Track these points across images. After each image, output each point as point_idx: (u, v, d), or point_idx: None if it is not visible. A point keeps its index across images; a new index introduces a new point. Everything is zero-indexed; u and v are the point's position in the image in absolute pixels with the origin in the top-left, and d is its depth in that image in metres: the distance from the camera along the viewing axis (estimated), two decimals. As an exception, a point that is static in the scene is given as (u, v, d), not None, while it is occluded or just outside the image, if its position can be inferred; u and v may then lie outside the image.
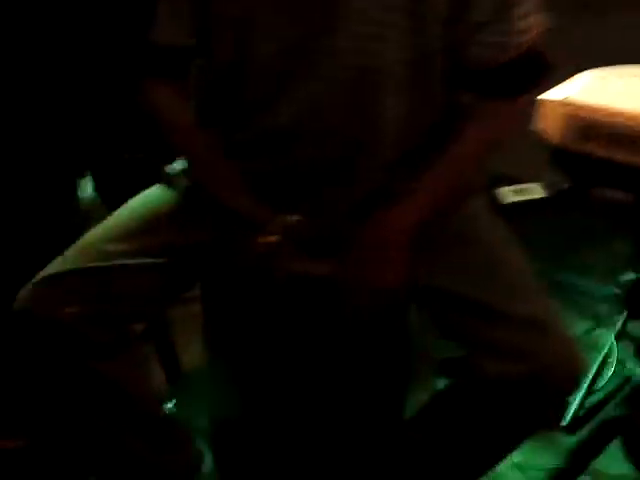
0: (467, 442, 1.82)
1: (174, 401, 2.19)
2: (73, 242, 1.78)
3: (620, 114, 2.13)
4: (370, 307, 1.73)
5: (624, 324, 2.71)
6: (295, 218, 1.56)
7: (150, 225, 1.77)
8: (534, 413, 1.74)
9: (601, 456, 2.32)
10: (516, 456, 2.24)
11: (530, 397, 1.68)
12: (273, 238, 1.57)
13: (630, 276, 2.73)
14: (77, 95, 2.17)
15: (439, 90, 1.75)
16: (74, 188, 2.27)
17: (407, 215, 1.71)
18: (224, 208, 1.68)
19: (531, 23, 1.68)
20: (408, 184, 1.72)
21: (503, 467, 2.21)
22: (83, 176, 2.25)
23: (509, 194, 3.50)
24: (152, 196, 1.84)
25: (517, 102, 1.77)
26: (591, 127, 2.14)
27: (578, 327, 2.78)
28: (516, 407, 1.71)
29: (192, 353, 2.52)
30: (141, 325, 2.24)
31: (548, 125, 2.27)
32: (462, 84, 1.75)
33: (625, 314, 2.71)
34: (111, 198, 2.10)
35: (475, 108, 1.75)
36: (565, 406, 2.40)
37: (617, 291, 2.78)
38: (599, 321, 2.84)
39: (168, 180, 1.75)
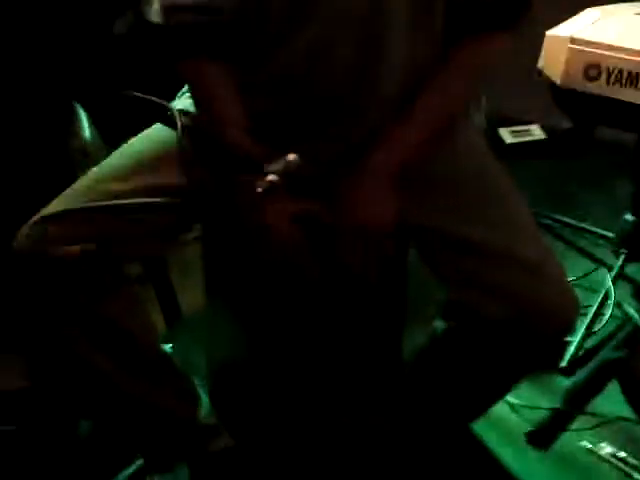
0: (464, 383, 1.84)
1: (172, 344, 2.17)
2: (73, 181, 1.77)
3: (624, 51, 2.10)
4: (363, 247, 1.73)
5: (622, 267, 2.69)
6: (293, 158, 1.54)
7: (150, 165, 1.75)
8: (529, 354, 1.75)
9: (598, 398, 2.32)
10: (512, 397, 2.28)
11: (525, 339, 1.69)
12: (272, 178, 1.55)
13: (629, 218, 2.72)
14: (68, 26, 2.14)
15: (439, 29, 1.74)
16: (70, 124, 2.24)
17: (390, 153, 1.71)
18: (224, 146, 1.66)
19: None
20: (396, 123, 1.72)
21: (499, 408, 2.23)
22: (75, 112, 2.22)
23: (509, 135, 3.48)
24: (152, 135, 1.82)
25: (503, 35, 1.78)
26: (595, 65, 2.10)
27: (576, 269, 2.76)
28: (511, 348, 1.72)
29: (191, 296, 2.53)
30: (139, 267, 2.26)
31: (551, 63, 2.24)
32: (457, 22, 1.75)
33: (624, 257, 2.70)
34: (111, 137, 2.06)
35: (464, 39, 1.75)
36: (563, 348, 2.40)
37: (616, 233, 2.77)
38: (598, 263, 2.82)
39: (168, 119, 1.73)
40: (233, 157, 1.58)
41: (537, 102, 3.21)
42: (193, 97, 1.76)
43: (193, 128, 1.74)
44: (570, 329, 1.76)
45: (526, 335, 1.68)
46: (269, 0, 1.67)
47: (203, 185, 1.72)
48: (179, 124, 1.47)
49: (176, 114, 1.50)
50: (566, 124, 2.41)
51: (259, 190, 1.49)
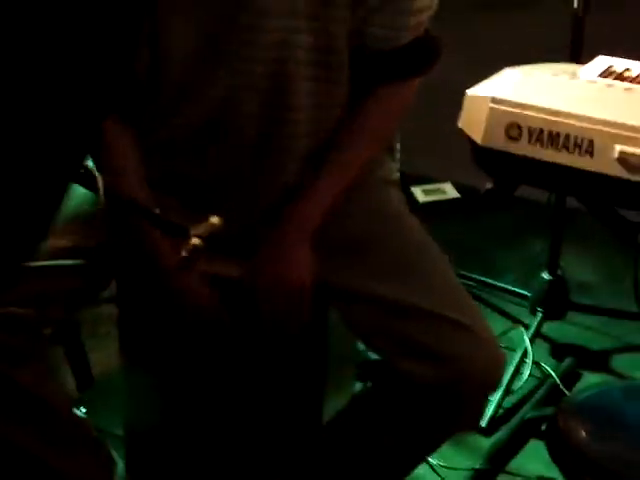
0: (385, 445, 1.80)
1: (84, 408, 2.11)
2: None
3: (544, 111, 2.12)
4: (280, 307, 1.72)
5: (539, 325, 2.70)
6: (217, 220, 1.50)
7: (66, 226, 1.70)
8: (453, 415, 1.72)
9: (519, 457, 2.32)
10: (432, 457, 2.25)
11: (449, 400, 1.67)
12: (195, 241, 1.52)
13: (546, 277, 2.74)
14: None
15: (346, 79, 1.74)
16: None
17: (308, 205, 1.72)
18: (141, 210, 1.62)
19: (425, 5, 1.72)
20: (311, 178, 1.73)
21: (419, 469, 2.20)
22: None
23: (421, 194, 3.50)
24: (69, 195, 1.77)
25: (412, 83, 1.81)
26: (516, 124, 2.12)
27: (494, 328, 2.68)
28: (434, 409, 1.69)
29: (102, 358, 2.47)
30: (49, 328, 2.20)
31: (472, 122, 2.25)
32: (363, 70, 1.76)
33: (541, 315, 2.71)
34: None
35: (375, 88, 1.77)
36: (484, 407, 2.39)
37: (533, 292, 2.78)
38: (515, 322, 2.83)
39: (84, 179, 1.68)
40: (152, 220, 1.55)
41: (450, 160, 3.25)
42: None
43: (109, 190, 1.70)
44: (496, 387, 1.76)
45: (452, 395, 1.66)
46: (170, 61, 1.66)
47: (120, 245, 1.69)
48: (101, 185, 1.42)
49: (96, 174, 1.45)
50: (483, 183, 2.42)
51: (183, 254, 1.45)
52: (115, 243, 1.69)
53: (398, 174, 1.96)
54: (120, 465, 1.93)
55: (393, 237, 1.78)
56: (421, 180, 3.60)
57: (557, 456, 1.70)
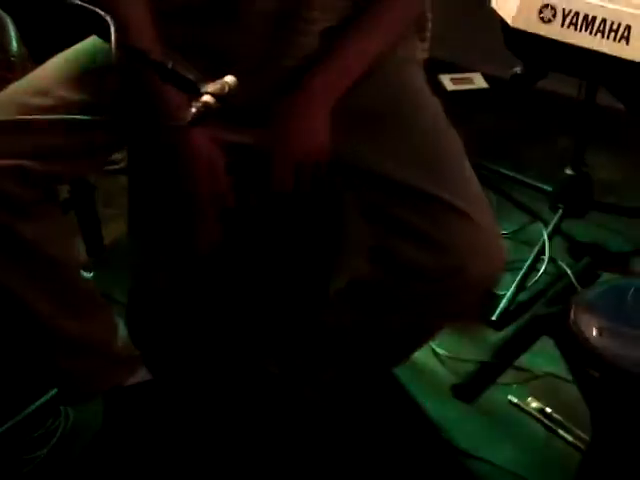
0: (383, 325, 1.80)
1: (92, 273, 2.11)
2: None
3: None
4: (297, 175, 1.70)
5: (559, 222, 2.66)
6: (231, 80, 1.46)
7: (72, 80, 1.69)
8: (451, 302, 1.70)
9: (528, 353, 2.30)
10: (440, 348, 2.28)
11: (444, 287, 1.65)
12: (207, 99, 1.48)
13: (569, 173, 2.68)
14: None
15: None
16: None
17: (328, 78, 1.70)
18: (157, 68, 1.58)
19: None
20: (331, 52, 1.70)
21: (425, 359, 2.25)
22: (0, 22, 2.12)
23: (449, 82, 3.44)
24: (79, 49, 1.76)
25: None
26: (550, 6, 2.04)
27: (512, 222, 2.74)
28: (433, 295, 1.68)
29: (114, 227, 2.47)
30: (64, 193, 2.20)
31: (504, 1, 2.17)
32: None
33: (561, 212, 2.66)
34: (39, 49, 2.00)
35: None
36: (491, 300, 2.38)
37: (554, 188, 2.73)
38: (534, 217, 2.79)
39: (104, 30, 1.63)
40: (165, 75, 1.50)
41: (481, 49, 3.17)
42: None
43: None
44: (495, 279, 1.72)
45: (449, 283, 1.64)
46: None
47: (132, 103, 1.65)
48: (113, 35, 1.37)
49: (111, 23, 1.40)
50: (511, 73, 2.36)
51: (193, 110, 1.41)
52: (127, 99, 1.66)
53: (425, 55, 1.89)
54: (123, 331, 1.95)
55: (408, 115, 1.74)
56: (450, 68, 3.54)
57: (565, 350, 1.67)
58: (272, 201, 1.83)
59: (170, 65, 1.42)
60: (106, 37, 1.53)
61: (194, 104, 1.48)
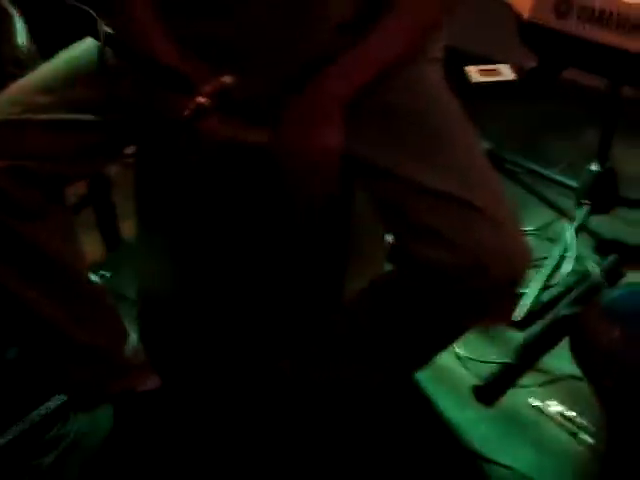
0: (404, 330, 1.77)
1: (109, 273, 2.10)
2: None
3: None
4: (306, 177, 1.67)
5: (585, 219, 2.62)
6: (229, 79, 1.43)
7: (72, 78, 1.68)
8: (474, 303, 1.66)
9: (550, 354, 2.26)
10: (460, 349, 2.25)
11: (466, 288, 1.61)
12: (203, 99, 1.45)
13: (595, 169, 2.64)
14: None
15: None
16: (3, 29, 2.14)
17: (343, 79, 1.65)
18: (155, 64, 1.56)
19: None
20: (347, 50, 1.65)
21: (446, 360, 2.21)
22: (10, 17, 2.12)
23: (476, 74, 3.39)
24: (81, 47, 1.74)
25: None
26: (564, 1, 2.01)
27: (537, 219, 2.71)
28: (454, 298, 1.64)
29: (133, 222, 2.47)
30: (82, 189, 2.19)
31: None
32: None
33: (587, 208, 2.62)
34: (47, 46, 1.96)
35: None
36: (514, 300, 2.32)
37: (580, 184, 2.69)
38: (560, 214, 2.75)
39: (94, 29, 1.62)
40: (164, 75, 1.48)
41: (507, 40, 3.12)
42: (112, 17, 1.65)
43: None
44: (519, 279, 1.67)
45: (468, 283, 1.59)
46: None
47: (133, 104, 1.63)
48: (102, 33, 1.35)
49: (100, 22, 1.38)
50: (532, 63, 2.32)
51: (186, 113, 1.39)
52: (123, 98, 1.65)
53: (440, 53, 1.86)
54: (133, 336, 1.95)
55: (423, 114, 1.70)
56: (478, 60, 3.50)
57: (577, 352, 1.63)
58: (284, 203, 1.81)
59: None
60: (93, 33, 1.52)
61: (188, 104, 1.47)
